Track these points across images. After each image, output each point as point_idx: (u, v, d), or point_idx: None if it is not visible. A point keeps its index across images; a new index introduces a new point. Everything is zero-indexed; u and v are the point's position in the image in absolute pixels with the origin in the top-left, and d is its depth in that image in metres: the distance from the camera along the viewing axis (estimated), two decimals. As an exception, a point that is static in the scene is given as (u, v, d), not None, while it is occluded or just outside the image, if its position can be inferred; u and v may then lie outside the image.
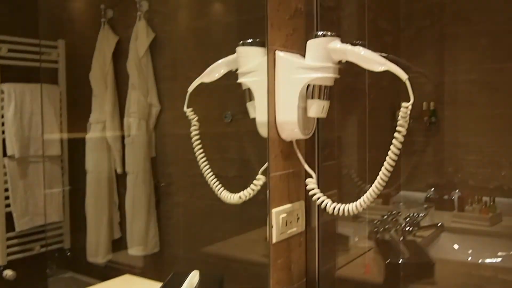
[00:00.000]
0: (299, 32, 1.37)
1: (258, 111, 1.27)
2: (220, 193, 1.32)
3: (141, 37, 1.60)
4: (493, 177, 2.21)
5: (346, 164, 1.71)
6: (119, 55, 1.58)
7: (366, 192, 1.16)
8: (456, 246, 2.13)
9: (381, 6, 2.15)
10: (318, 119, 1.35)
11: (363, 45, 1.24)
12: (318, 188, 1.24)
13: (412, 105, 1.09)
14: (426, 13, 2.31)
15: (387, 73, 1.13)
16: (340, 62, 1.23)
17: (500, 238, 2.10)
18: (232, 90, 1.43)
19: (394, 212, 2.11)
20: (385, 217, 2.05)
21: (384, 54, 1.31)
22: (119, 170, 1.60)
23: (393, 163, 1.14)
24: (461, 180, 2.29)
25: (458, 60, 2.26)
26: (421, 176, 2.38)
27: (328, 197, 1.22)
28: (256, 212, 1.36)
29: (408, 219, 2.08)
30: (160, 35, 1.60)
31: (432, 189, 2.40)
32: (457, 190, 2.32)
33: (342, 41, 1.22)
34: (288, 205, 1.34)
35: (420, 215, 2.14)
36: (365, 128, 1.83)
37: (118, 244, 1.59)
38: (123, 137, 1.61)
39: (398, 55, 2.32)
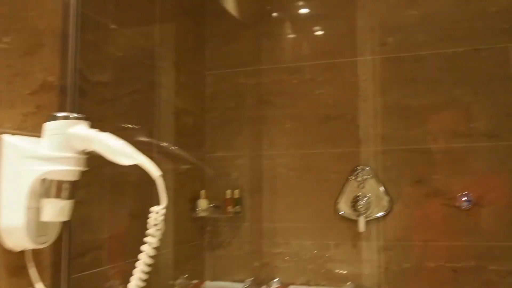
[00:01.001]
0: (49, 111, 1.10)
1: (-25, 212, 0.96)
2: None
3: None
4: (300, 270, 2.08)
5: (123, 269, 1.41)
6: None
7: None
8: None
9: (181, 84, 1.98)
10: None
11: (137, 130, 1.03)
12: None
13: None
14: (231, 94, 2.19)
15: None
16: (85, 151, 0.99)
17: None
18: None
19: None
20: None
21: (164, 144, 1.10)
22: None
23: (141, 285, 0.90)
24: (268, 274, 2.13)
25: (273, 144, 2.15)
26: (229, 270, 2.17)
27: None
28: None
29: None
30: None
31: (251, 278, 2.22)
32: (276, 279, 2.16)
33: (118, 125, 0.99)
34: (15, 338, 1.00)
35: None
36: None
37: None
38: None
39: (203, 137, 2.16)
